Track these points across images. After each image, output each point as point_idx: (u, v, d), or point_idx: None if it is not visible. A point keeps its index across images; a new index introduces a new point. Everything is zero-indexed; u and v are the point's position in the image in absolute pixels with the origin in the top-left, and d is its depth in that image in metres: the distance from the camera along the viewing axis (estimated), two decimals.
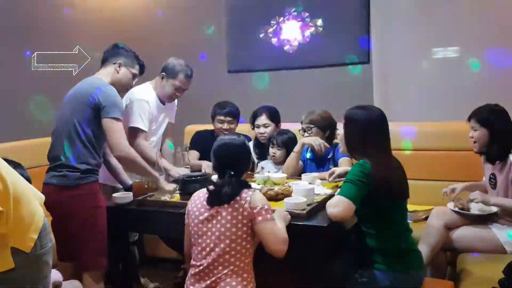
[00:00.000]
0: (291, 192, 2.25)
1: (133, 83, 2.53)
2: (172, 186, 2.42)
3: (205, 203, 1.85)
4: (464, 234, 2.41)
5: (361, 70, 3.59)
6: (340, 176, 2.49)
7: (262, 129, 3.08)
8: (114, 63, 2.42)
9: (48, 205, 2.21)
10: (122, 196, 2.37)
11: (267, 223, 1.77)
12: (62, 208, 2.24)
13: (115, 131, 2.24)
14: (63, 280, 2.04)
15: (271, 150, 2.98)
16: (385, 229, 1.99)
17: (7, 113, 3.31)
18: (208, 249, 1.79)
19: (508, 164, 2.36)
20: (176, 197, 2.35)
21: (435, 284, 2.20)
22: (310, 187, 2.24)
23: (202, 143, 2.85)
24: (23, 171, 1.92)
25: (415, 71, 3.42)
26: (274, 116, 3.11)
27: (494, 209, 2.43)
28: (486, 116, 2.43)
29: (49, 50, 3.60)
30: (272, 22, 3.88)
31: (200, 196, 1.90)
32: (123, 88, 2.48)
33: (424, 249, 2.35)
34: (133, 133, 2.66)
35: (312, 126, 2.87)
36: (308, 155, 2.93)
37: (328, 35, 3.69)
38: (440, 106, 3.33)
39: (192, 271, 1.84)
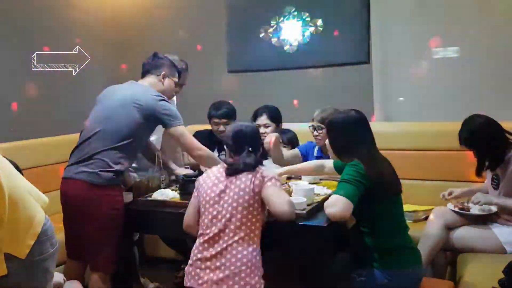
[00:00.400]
0: (291, 192, 2.25)
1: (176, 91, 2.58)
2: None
3: (219, 175, 1.96)
4: (464, 234, 2.41)
5: (361, 70, 3.59)
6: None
7: (262, 129, 3.08)
8: (158, 75, 2.44)
9: (69, 200, 2.21)
10: None
11: (274, 188, 1.88)
12: (88, 206, 2.20)
13: (186, 135, 2.36)
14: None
15: None
16: (382, 227, 2.00)
17: (7, 113, 3.31)
18: (219, 216, 1.87)
19: (510, 162, 2.37)
20: (176, 198, 2.35)
21: (435, 284, 2.20)
22: (310, 187, 2.25)
23: (201, 142, 2.84)
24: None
25: (415, 71, 3.42)
26: (275, 116, 3.11)
27: (494, 209, 2.43)
28: (465, 138, 2.46)
29: (49, 50, 3.60)
30: (272, 22, 3.87)
31: (214, 171, 2.01)
32: (167, 98, 2.47)
33: (424, 249, 2.35)
34: None
35: (323, 126, 2.83)
36: (316, 153, 2.93)
37: (328, 35, 3.69)
38: (440, 106, 3.33)
39: (201, 239, 1.89)
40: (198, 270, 1.85)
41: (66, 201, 2.26)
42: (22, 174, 1.99)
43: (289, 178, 2.72)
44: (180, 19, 4.17)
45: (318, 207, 2.10)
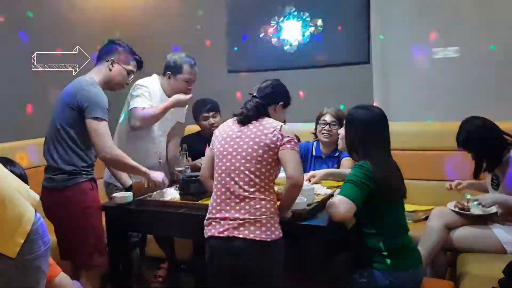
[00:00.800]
0: None
1: (130, 79, 2.47)
2: (160, 175, 2.40)
3: (233, 127, 1.97)
4: (464, 234, 2.41)
5: (361, 70, 3.59)
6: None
7: None
8: (106, 61, 2.36)
9: (43, 207, 2.23)
10: (122, 196, 2.37)
11: (294, 152, 1.88)
12: (53, 210, 2.25)
13: (98, 132, 2.17)
14: None
15: None
16: (384, 229, 1.99)
17: (7, 113, 3.31)
18: (233, 167, 1.87)
19: (508, 163, 2.37)
20: (176, 198, 2.35)
21: (435, 284, 2.20)
22: (310, 187, 2.24)
23: (191, 147, 2.82)
24: (14, 168, 1.87)
25: (415, 71, 3.42)
26: None
27: (494, 209, 2.43)
28: (462, 141, 2.47)
29: (49, 50, 3.59)
30: (272, 22, 3.88)
31: (229, 123, 2.02)
32: (117, 85, 2.43)
33: (424, 249, 2.35)
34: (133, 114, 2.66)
35: (337, 122, 2.79)
36: (314, 153, 2.91)
37: (328, 35, 3.69)
38: (440, 106, 3.32)
39: (217, 192, 1.91)
40: (217, 220, 1.87)
41: (43, 208, 2.27)
42: (26, 175, 1.99)
43: None
44: (180, 19, 4.17)
45: (318, 207, 2.10)
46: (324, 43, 3.70)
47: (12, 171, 1.59)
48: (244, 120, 1.95)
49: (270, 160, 1.87)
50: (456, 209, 2.48)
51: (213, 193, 1.94)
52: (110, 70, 2.36)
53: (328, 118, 2.82)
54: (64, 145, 2.22)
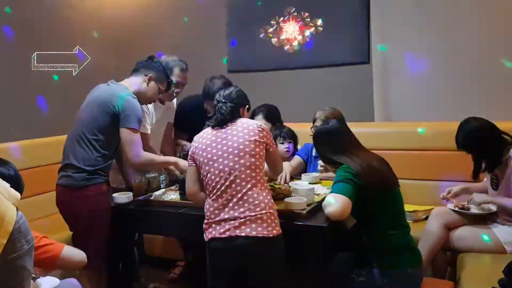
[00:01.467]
0: (291, 192, 2.26)
1: (157, 98, 2.55)
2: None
3: (212, 132, 2.01)
4: (464, 234, 2.41)
5: (361, 70, 3.59)
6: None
7: None
8: (145, 75, 2.42)
9: (58, 204, 2.31)
10: (122, 196, 2.38)
11: (276, 149, 2.11)
12: (68, 209, 2.28)
13: (132, 141, 2.24)
14: (61, 279, 2.03)
15: (283, 146, 2.93)
16: (378, 227, 2.00)
17: (7, 113, 3.31)
18: (226, 169, 1.89)
19: (508, 163, 2.37)
20: (176, 198, 2.36)
21: (435, 284, 2.20)
22: (310, 187, 2.25)
23: (191, 122, 2.77)
24: (2, 168, 1.88)
25: (415, 71, 3.41)
26: (271, 116, 3.04)
27: (494, 208, 2.43)
28: (462, 142, 2.46)
29: (49, 50, 3.60)
30: (272, 22, 3.88)
31: (207, 131, 2.04)
32: (147, 100, 2.49)
33: (424, 249, 2.35)
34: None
35: None
36: (314, 153, 2.91)
37: (328, 35, 3.69)
38: (440, 106, 3.32)
39: (212, 196, 1.91)
40: (217, 222, 1.87)
41: (57, 206, 2.32)
42: (17, 176, 1.98)
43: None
44: (180, 19, 4.17)
45: (318, 207, 2.11)
46: (324, 43, 3.70)
47: (2, 173, 1.60)
48: (221, 123, 2.01)
49: (262, 154, 1.95)
50: (456, 209, 2.48)
51: (207, 199, 1.94)
52: (147, 85, 2.42)
53: (318, 123, 2.85)
54: (91, 147, 2.25)
